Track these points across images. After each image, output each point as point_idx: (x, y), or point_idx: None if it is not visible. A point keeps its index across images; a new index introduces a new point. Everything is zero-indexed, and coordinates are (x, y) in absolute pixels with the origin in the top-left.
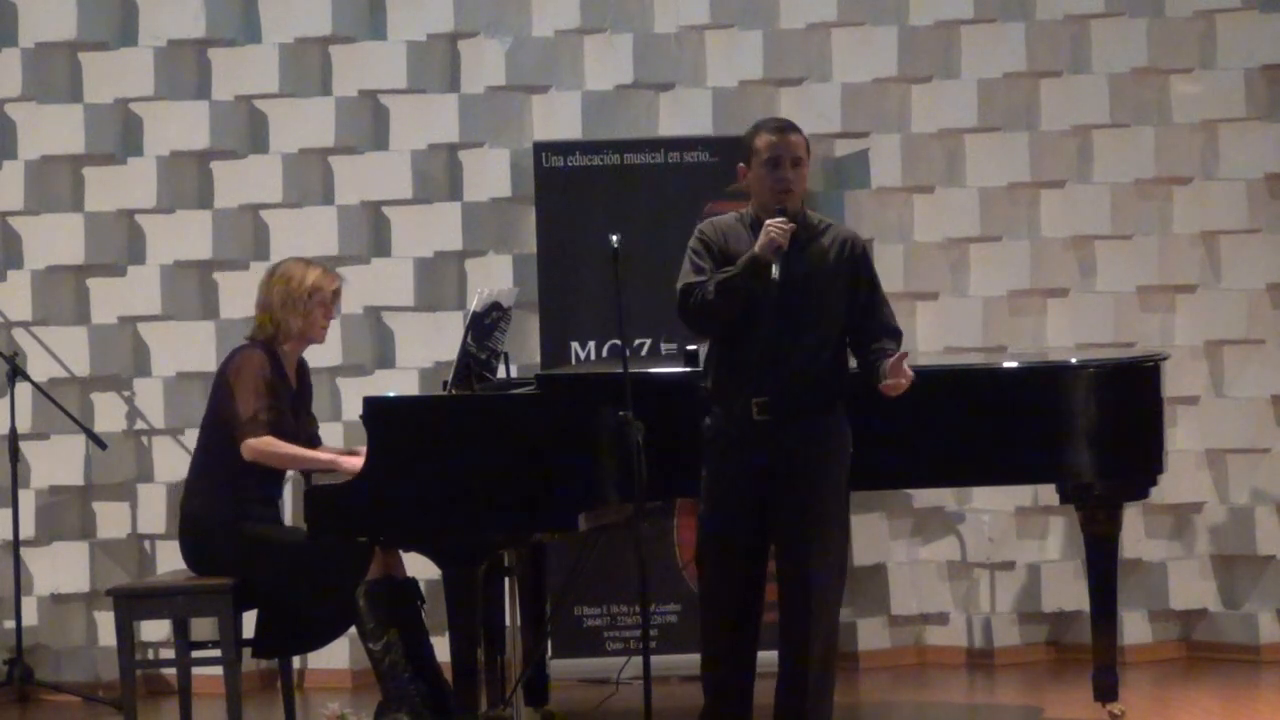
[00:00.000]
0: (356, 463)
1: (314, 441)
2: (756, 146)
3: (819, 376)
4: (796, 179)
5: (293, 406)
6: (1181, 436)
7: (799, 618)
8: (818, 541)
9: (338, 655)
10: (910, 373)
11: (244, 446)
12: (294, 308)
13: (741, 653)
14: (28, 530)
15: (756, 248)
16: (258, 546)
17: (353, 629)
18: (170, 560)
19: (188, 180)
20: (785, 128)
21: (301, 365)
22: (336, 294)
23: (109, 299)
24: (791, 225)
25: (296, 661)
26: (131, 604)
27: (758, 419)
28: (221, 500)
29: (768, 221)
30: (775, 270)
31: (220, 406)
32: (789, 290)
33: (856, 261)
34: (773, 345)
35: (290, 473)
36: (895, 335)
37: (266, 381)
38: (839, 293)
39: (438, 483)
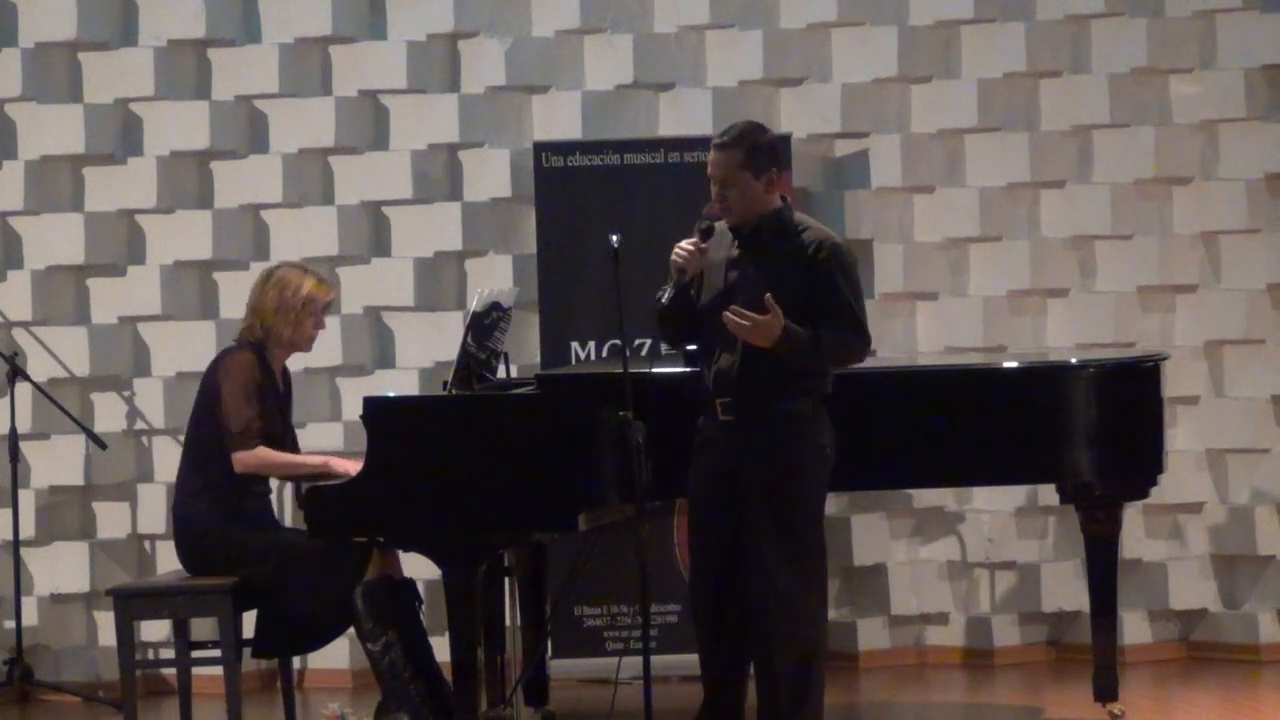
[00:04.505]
0: (349, 464)
1: (294, 447)
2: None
3: (779, 376)
4: (731, 196)
5: (279, 410)
6: (1181, 436)
7: (765, 622)
8: (783, 544)
9: (338, 655)
10: (743, 322)
11: (235, 460)
12: (286, 315)
13: (726, 646)
14: (28, 530)
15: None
16: (254, 548)
17: (352, 629)
18: (170, 560)
19: (188, 180)
20: (716, 146)
21: (285, 372)
22: (329, 304)
23: (109, 299)
24: (703, 246)
25: (296, 661)
26: (131, 604)
27: (723, 419)
28: (214, 500)
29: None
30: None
31: (209, 408)
32: (744, 295)
33: (817, 265)
34: (730, 348)
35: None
36: (860, 333)
37: (257, 385)
38: (796, 293)
39: (437, 483)
